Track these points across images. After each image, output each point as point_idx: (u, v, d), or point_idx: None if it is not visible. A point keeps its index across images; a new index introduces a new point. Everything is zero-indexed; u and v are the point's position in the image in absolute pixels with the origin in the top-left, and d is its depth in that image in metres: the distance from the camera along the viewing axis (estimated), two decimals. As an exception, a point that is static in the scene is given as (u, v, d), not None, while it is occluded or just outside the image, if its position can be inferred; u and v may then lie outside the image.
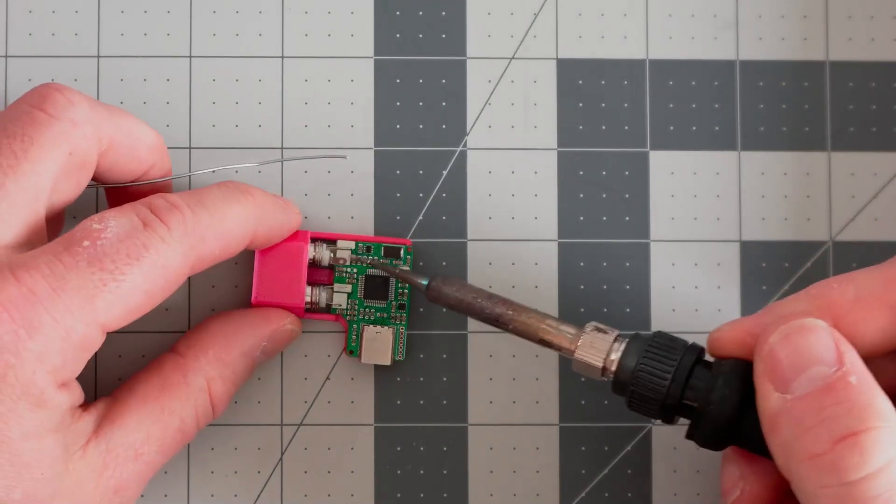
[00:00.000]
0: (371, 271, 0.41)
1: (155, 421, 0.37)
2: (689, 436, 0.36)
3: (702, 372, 0.35)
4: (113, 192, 0.39)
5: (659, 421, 0.41)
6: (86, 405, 0.36)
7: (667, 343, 0.36)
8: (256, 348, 0.39)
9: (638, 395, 0.36)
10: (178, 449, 0.37)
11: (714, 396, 0.35)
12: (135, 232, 0.34)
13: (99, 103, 0.37)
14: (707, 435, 0.35)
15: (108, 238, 0.34)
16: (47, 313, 0.33)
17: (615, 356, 0.36)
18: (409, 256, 0.41)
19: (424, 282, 0.39)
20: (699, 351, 0.36)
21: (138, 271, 0.34)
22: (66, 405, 0.34)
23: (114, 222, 0.35)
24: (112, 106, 0.38)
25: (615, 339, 0.37)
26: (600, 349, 0.36)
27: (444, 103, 0.42)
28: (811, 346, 0.33)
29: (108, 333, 0.34)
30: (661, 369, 0.35)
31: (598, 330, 0.37)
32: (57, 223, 0.38)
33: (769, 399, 0.33)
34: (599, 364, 0.36)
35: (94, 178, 0.38)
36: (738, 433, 0.35)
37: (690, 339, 0.37)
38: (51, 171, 0.35)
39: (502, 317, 0.38)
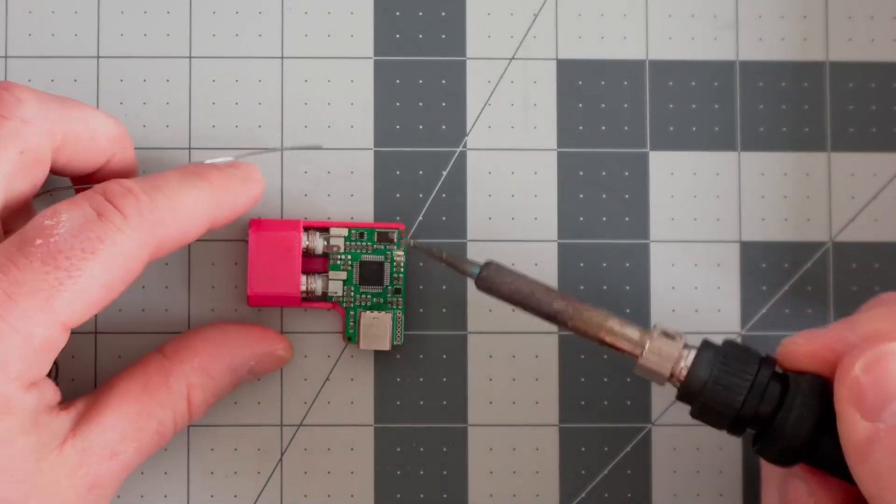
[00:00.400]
0: (365, 256, 0.41)
1: (132, 421, 0.36)
2: (759, 451, 0.35)
3: (776, 387, 0.35)
4: (78, 182, 0.39)
5: (657, 422, 0.41)
6: (66, 403, 0.36)
7: (741, 355, 0.35)
8: (244, 366, 0.39)
9: (710, 409, 0.35)
10: (154, 450, 0.37)
11: (791, 416, 0.34)
12: (89, 224, 0.34)
13: (51, 97, 0.36)
14: (781, 453, 0.34)
15: (61, 234, 0.33)
16: (4, 321, 0.32)
17: (684, 364, 0.35)
18: (402, 240, 0.41)
19: (475, 270, 0.36)
20: (773, 363, 0.35)
21: (95, 265, 0.34)
22: (34, 406, 0.34)
23: (66, 216, 0.34)
24: (66, 98, 0.37)
25: (684, 346, 0.35)
26: (668, 356, 0.35)
27: (443, 104, 0.42)
28: None
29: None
30: (736, 384, 0.34)
31: (665, 335, 0.35)
32: (23, 217, 0.37)
33: (856, 427, 0.32)
34: (667, 372, 0.35)
35: (54, 172, 0.37)
36: (812, 453, 0.34)
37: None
38: (2, 172, 0.35)
39: (561, 314, 0.36)
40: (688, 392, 0.35)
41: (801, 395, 0.34)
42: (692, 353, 0.35)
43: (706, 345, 0.35)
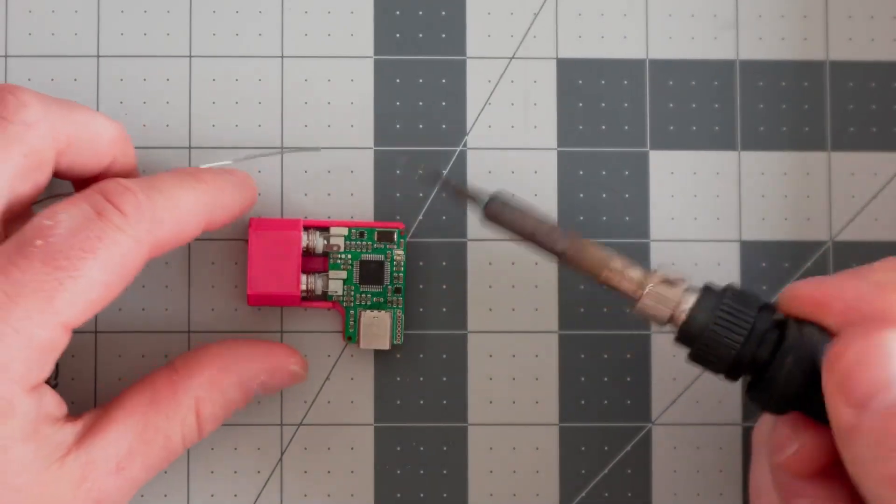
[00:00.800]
0: (365, 256, 0.41)
1: (138, 435, 0.36)
2: (752, 398, 0.35)
3: (775, 333, 0.35)
4: (80, 187, 0.39)
5: (657, 422, 0.42)
6: (74, 417, 0.36)
7: (741, 300, 0.35)
8: (254, 380, 0.38)
9: (707, 352, 0.35)
10: (163, 466, 0.37)
11: (787, 363, 0.34)
12: (88, 223, 0.34)
13: (53, 101, 0.36)
14: (773, 402, 0.34)
15: (61, 234, 0.33)
16: (6, 323, 0.32)
17: (684, 307, 0.35)
18: (402, 240, 0.41)
19: (484, 200, 0.37)
20: (773, 310, 0.35)
21: (95, 264, 0.33)
22: (35, 412, 0.34)
23: (64, 215, 0.34)
24: (68, 101, 0.37)
25: (684, 290, 0.35)
26: (667, 299, 0.35)
27: (443, 103, 0.42)
28: (888, 369, 0.32)
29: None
30: (735, 329, 0.35)
31: (666, 282, 0.36)
32: (24, 220, 0.36)
33: (841, 413, 0.32)
34: (665, 315, 0.35)
35: (57, 176, 0.37)
36: (806, 402, 0.34)
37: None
38: (5, 175, 0.35)
39: (564, 251, 0.36)
40: (686, 335, 0.35)
41: (800, 341, 0.34)
42: (693, 297, 0.35)
43: (707, 289, 0.35)
